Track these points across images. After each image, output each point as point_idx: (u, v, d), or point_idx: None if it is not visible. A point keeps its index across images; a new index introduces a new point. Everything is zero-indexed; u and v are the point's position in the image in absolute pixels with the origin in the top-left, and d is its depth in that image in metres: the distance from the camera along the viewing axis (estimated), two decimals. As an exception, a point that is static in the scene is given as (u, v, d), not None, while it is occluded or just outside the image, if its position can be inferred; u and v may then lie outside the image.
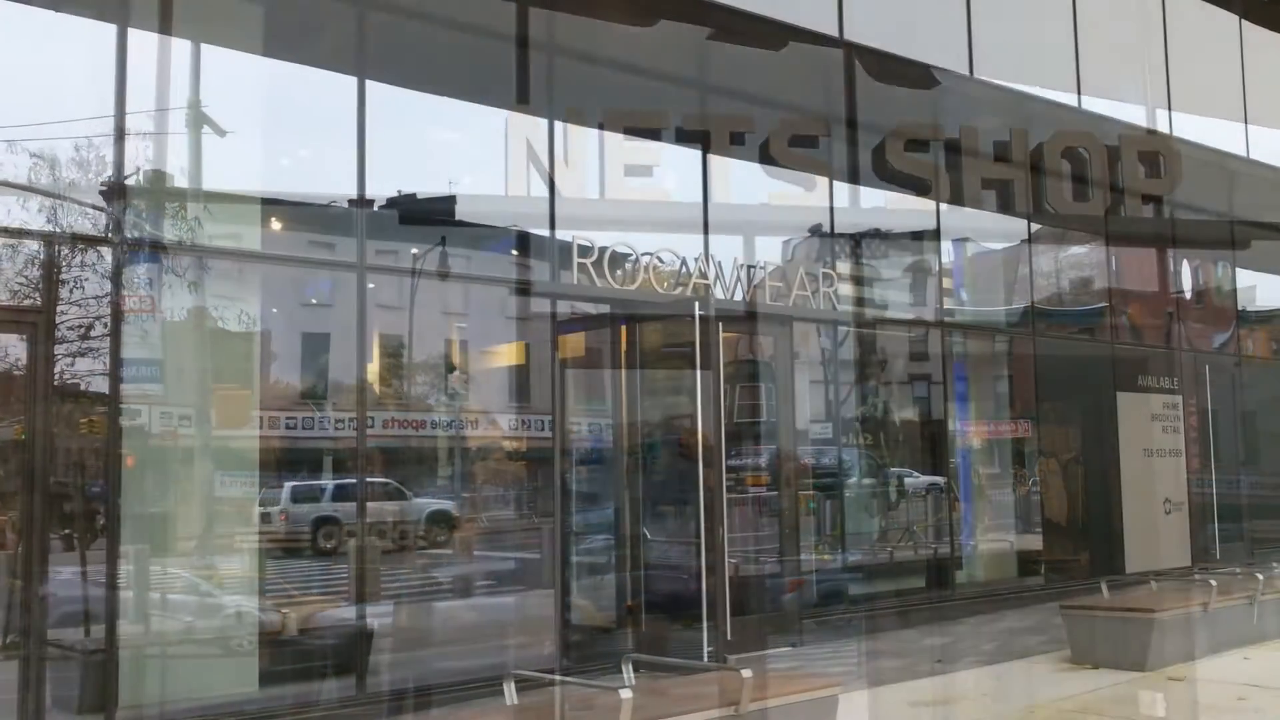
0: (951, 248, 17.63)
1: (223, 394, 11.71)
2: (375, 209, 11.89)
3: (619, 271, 13.29)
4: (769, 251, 14.69)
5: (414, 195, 12.68)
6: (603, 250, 13.07)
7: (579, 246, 12.93)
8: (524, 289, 12.52)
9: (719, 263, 14.00)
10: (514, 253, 13.51)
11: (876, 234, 16.54)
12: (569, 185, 12.90)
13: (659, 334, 13.50)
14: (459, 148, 12.62)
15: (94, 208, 10.31)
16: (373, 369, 12.39)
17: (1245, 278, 23.49)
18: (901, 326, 16.91)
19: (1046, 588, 17.60)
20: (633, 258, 13.36)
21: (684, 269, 13.80)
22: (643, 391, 13.34)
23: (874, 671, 12.15)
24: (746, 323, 14.19)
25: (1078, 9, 16.18)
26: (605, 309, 13.33)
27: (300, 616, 11.67)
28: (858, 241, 16.45)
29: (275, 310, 12.41)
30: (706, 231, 14.13)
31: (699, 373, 12.46)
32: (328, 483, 14.30)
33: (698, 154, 14.29)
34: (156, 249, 10.88)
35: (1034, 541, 18.14)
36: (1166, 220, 21.34)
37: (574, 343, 13.56)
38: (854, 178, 16.15)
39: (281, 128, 11.76)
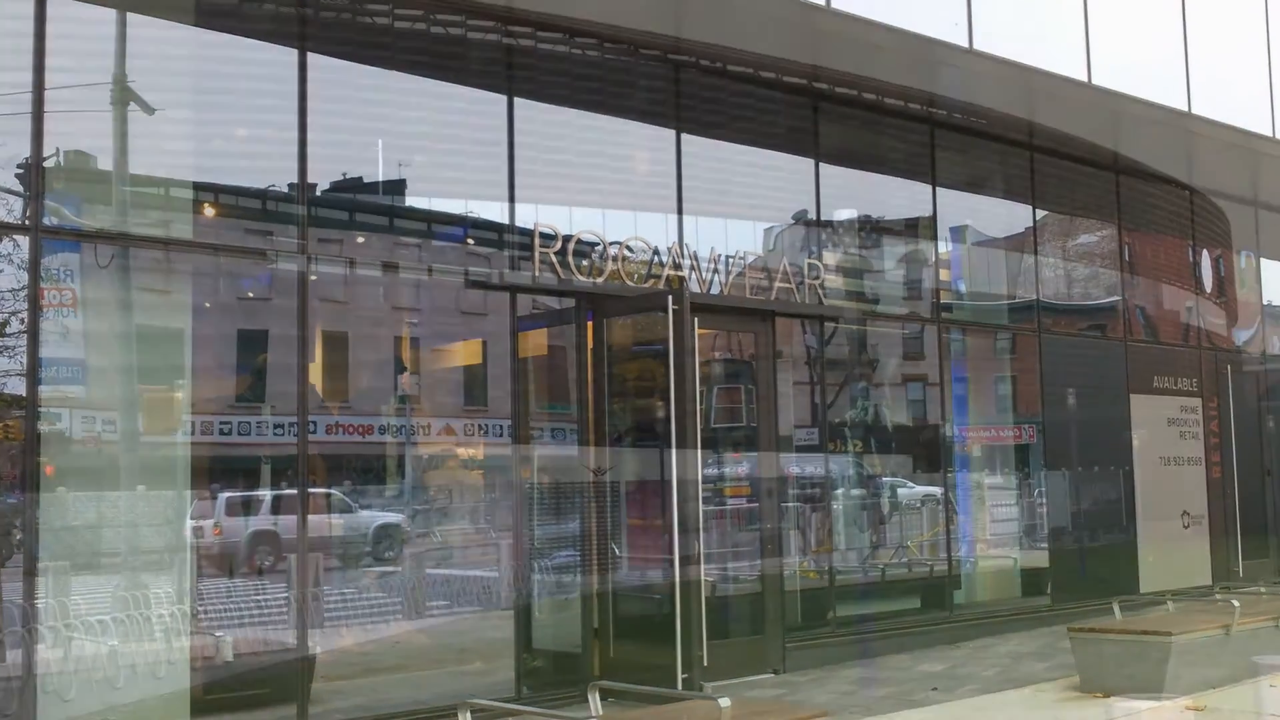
0: (950, 236, 17.78)
1: (151, 396, 11.78)
2: (318, 193, 11.96)
3: (585, 262, 13.39)
4: (749, 240, 14.80)
5: (360, 179, 12.76)
6: (567, 239, 13.16)
7: (541, 235, 13.02)
8: (480, 282, 12.61)
9: (694, 253, 14.10)
10: (470, 242, 13.60)
11: (868, 221, 16.67)
12: (530, 167, 13.01)
13: (629, 330, 13.61)
14: (411, 127, 12.72)
15: (9, 192, 10.37)
16: (315, 369, 12.48)
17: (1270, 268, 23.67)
18: (894, 322, 17.05)
19: (1053, 608, 17.76)
20: (600, 247, 13.46)
21: (656, 259, 13.90)
22: (611, 394, 13.44)
23: (864, 701, 12.29)
24: (724, 318, 14.30)
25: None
26: (570, 303, 13.41)
27: (236, 640, 11.75)
28: (847, 230, 16.58)
29: (208, 305, 12.50)
30: (681, 218, 14.24)
31: (672, 373, 12.56)
32: (265, 494, 14.38)
33: (671, 133, 14.40)
34: (78, 237, 10.96)
35: (1039, 558, 18.30)
36: (1185, 206, 21.53)
37: (535, 340, 13.65)
38: (843, 159, 16.28)
39: (215, 105, 11.85)
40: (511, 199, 13.04)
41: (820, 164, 15.64)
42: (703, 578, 13.09)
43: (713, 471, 14.70)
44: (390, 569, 15.13)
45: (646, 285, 13.79)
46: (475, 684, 13.02)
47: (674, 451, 12.75)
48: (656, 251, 13.98)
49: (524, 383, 13.09)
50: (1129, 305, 20.05)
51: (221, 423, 13.27)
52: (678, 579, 12.68)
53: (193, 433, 11.70)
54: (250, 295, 12.84)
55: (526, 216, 13.08)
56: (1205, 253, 22.12)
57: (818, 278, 15.38)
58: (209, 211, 11.78)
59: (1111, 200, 20.01)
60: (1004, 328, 18.32)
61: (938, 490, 17.34)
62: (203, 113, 11.73)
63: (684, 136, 14.46)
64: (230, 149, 11.91)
